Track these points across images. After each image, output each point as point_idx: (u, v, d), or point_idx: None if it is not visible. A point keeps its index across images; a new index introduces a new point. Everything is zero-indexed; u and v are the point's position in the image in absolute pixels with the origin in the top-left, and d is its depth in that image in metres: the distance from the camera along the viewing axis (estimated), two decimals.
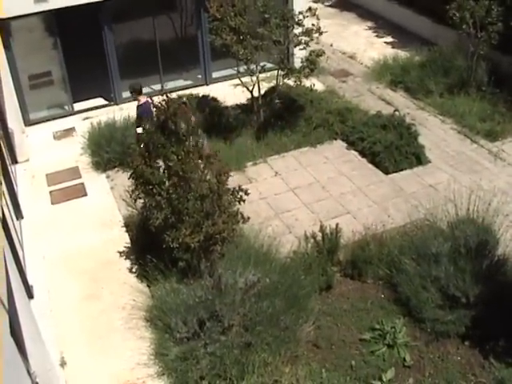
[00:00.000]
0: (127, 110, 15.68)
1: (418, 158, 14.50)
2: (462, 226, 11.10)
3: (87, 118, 16.60)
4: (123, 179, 12.93)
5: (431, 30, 20.32)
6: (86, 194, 13.77)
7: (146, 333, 10.12)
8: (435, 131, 15.85)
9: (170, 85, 17.56)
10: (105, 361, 9.74)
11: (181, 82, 18.13)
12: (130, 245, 12.04)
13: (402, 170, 14.28)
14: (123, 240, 12.19)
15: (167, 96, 10.00)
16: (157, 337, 9.92)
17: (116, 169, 14.45)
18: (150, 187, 9.96)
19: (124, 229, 12.53)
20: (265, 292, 9.91)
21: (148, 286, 10.83)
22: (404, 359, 9.70)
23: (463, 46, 17.47)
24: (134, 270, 11.44)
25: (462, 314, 10.03)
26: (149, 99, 12.13)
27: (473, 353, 9.84)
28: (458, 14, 16.54)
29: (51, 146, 15.76)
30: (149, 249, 10.74)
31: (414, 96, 17.64)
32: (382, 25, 22.74)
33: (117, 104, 17.11)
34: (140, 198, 10.36)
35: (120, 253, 11.88)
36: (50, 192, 13.95)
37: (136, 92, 13.40)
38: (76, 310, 10.72)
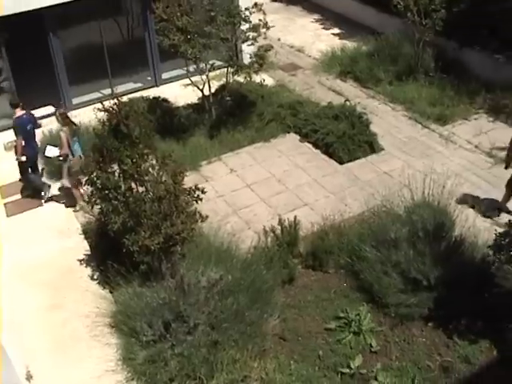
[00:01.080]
0: (79, 117, 15.51)
1: (371, 146, 14.68)
2: (418, 210, 11.24)
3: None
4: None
5: (377, 19, 20.52)
6: (41, 205, 13.61)
7: (111, 339, 10.06)
8: (386, 118, 16.04)
9: (121, 88, 17.37)
10: (72, 371, 9.64)
11: (131, 85, 18.01)
12: (89, 252, 11.94)
13: (356, 158, 14.43)
14: (82, 248, 12.09)
15: (118, 100, 9.94)
16: (123, 342, 9.86)
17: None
18: (106, 192, 9.89)
19: (82, 236, 12.41)
20: (228, 289, 9.92)
21: (111, 291, 10.76)
22: (370, 345, 9.82)
23: (409, 33, 17.72)
24: (95, 276, 11.36)
25: (424, 297, 10.18)
26: (25, 113, 13.27)
27: (437, 333, 10.02)
28: (402, 3, 16.78)
29: (3, 158, 15.47)
30: (109, 254, 10.66)
31: (364, 85, 17.85)
32: (329, 17, 22.90)
33: (67, 111, 16.91)
34: (97, 204, 10.28)
35: (80, 261, 11.77)
36: (5, 204, 13.75)
37: (12, 106, 13.58)
38: (39, 322, 10.59)
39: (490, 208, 12.30)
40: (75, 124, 13.27)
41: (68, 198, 13.49)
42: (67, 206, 13.45)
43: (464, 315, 9.98)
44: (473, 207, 12.38)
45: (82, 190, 13.03)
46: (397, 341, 9.94)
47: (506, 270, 10.32)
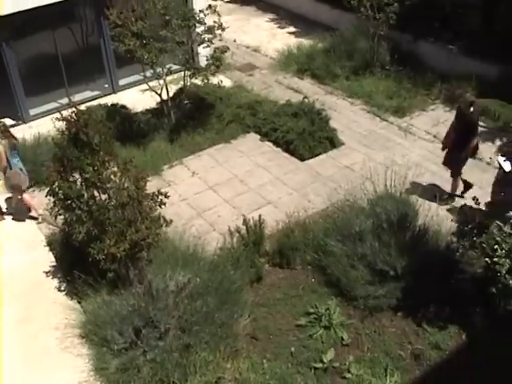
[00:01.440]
0: (37, 128, 15.40)
1: (332, 142, 14.81)
2: (381, 202, 11.39)
3: None
4: (40, 198, 12.70)
5: (331, 16, 20.73)
6: (3, 218, 13.44)
7: (82, 349, 9.96)
8: (345, 113, 16.18)
9: (78, 97, 17.26)
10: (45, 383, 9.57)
11: (88, 93, 17.87)
12: (55, 263, 11.82)
13: (317, 155, 14.53)
14: (48, 259, 11.96)
15: (76, 108, 9.88)
16: (94, 352, 9.78)
17: (32, 188, 14.13)
18: (69, 202, 9.80)
19: (47, 248, 12.28)
20: (197, 292, 9.92)
21: (79, 302, 10.68)
22: (342, 338, 9.90)
23: (363, 28, 17.94)
24: (62, 288, 11.24)
25: (391, 287, 10.33)
26: None
27: (406, 322, 10.16)
28: None
29: None
30: (75, 264, 10.58)
31: (322, 82, 17.99)
32: (283, 16, 23.02)
33: (25, 122, 16.74)
34: (60, 215, 10.19)
35: (46, 273, 11.65)
36: None
37: None
38: (8, 336, 10.45)
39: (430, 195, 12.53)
40: (15, 138, 13.07)
41: (19, 210, 13.35)
42: (26, 219, 13.31)
43: (432, 303, 10.15)
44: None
45: (29, 199, 12.97)
46: (367, 332, 10.05)
47: (470, 255, 10.51)
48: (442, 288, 10.14)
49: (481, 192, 12.02)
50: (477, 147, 12.77)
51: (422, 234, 11.01)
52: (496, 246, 9.14)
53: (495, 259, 9.08)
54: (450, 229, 10.95)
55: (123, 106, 16.45)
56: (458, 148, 12.51)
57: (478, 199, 10.14)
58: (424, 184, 13.03)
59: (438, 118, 15.59)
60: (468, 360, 9.43)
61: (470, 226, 9.99)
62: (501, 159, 11.12)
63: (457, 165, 12.68)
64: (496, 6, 16.98)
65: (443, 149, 12.93)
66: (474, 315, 10.00)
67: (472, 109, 12.35)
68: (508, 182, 10.85)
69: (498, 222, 9.54)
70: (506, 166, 11.09)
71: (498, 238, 9.21)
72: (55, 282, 11.43)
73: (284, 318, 10.36)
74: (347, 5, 17.32)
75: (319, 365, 9.45)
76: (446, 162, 12.90)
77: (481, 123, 15.12)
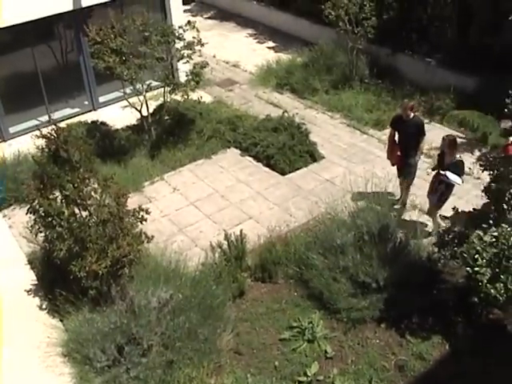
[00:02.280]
0: (17, 145, 15.32)
1: (312, 156, 14.87)
2: (362, 214, 11.44)
3: None
4: (21, 216, 12.62)
5: (310, 30, 20.89)
6: None
7: (65, 368, 9.85)
8: (325, 127, 16.25)
9: (58, 114, 17.20)
10: None
11: (68, 111, 17.82)
12: (36, 281, 11.73)
13: (297, 169, 14.59)
14: (29, 278, 11.85)
15: (56, 125, 9.86)
16: (77, 370, 9.67)
17: (12, 206, 14.04)
18: (50, 219, 9.77)
19: (28, 266, 12.19)
20: (179, 307, 9.89)
21: (61, 320, 10.57)
22: (325, 351, 9.90)
23: (342, 42, 18.11)
24: (44, 306, 11.13)
25: (374, 299, 10.37)
26: None
27: (390, 333, 10.20)
28: (333, 13, 17.10)
29: None
30: (56, 282, 10.53)
31: (301, 96, 18.11)
32: (262, 31, 23.19)
33: (5, 140, 16.66)
34: (41, 232, 10.14)
35: (27, 291, 11.54)
36: None
37: None
38: None
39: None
40: None
41: None
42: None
43: (414, 313, 10.24)
44: None
45: None
46: (351, 345, 10.05)
47: (452, 265, 10.60)
48: (425, 298, 10.22)
49: (460, 202, 12.10)
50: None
51: (403, 245, 11.06)
52: (477, 256, 9.20)
53: (476, 269, 9.13)
54: (430, 239, 11.03)
55: (103, 123, 16.43)
56: (406, 158, 12.61)
57: (458, 209, 10.22)
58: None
59: None
60: (452, 369, 9.46)
61: (450, 236, 10.06)
62: (449, 175, 11.35)
63: (410, 175, 12.80)
64: (470, 18, 17.18)
65: (393, 165, 13.06)
66: (456, 325, 10.06)
67: (412, 114, 12.48)
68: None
69: (479, 232, 9.61)
70: (457, 180, 11.29)
71: (478, 248, 9.26)
72: (36, 301, 11.32)
73: (267, 333, 10.34)
74: (326, 20, 17.46)
75: (303, 378, 9.43)
76: (400, 175, 13.01)
77: (459, 134, 15.37)
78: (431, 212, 12.12)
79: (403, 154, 12.66)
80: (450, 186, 11.61)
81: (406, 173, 12.76)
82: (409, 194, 12.98)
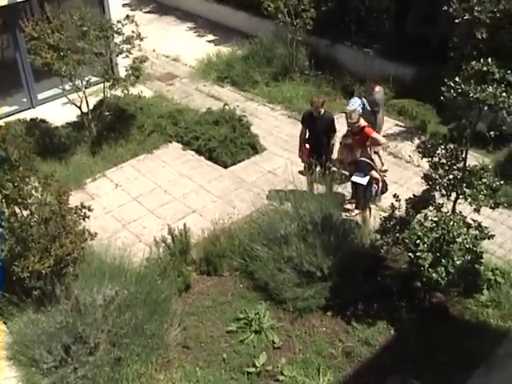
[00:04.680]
0: None
1: (254, 148, 14.92)
2: (305, 204, 11.52)
3: None
4: None
5: (250, 23, 20.88)
6: None
7: (10, 372, 9.65)
8: (266, 119, 16.32)
9: None
10: None
11: (6, 109, 17.44)
12: None
13: (239, 161, 14.62)
14: None
15: None
16: (23, 373, 9.51)
17: None
18: None
19: None
20: (125, 304, 9.81)
21: (4, 322, 10.36)
22: (273, 341, 9.95)
23: (282, 34, 18.18)
24: None
25: (319, 288, 10.48)
26: None
27: (336, 321, 10.33)
28: (272, 5, 17.15)
29: None
30: None
31: (242, 88, 18.12)
32: (202, 24, 23.09)
33: None
34: None
35: None
36: None
37: None
38: None
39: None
40: None
41: None
42: None
43: (360, 300, 10.42)
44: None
45: None
46: (298, 334, 10.14)
47: (394, 251, 10.79)
48: (369, 285, 10.40)
49: (402, 189, 12.32)
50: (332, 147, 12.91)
51: (346, 234, 11.19)
52: (418, 241, 9.40)
53: (418, 254, 9.34)
54: (373, 227, 11.19)
55: (43, 120, 16.15)
56: (318, 157, 12.30)
57: (398, 196, 10.38)
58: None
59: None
60: (397, 354, 9.64)
61: (392, 223, 10.23)
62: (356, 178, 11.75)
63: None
64: (406, 10, 17.46)
65: (304, 162, 13.02)
66: (400, 310, 10.25)
67: (323, 110, 12.59)
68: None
69: (419, 218, 9.81)
70: (363, 181, 11.61)
71: (419, 233, 9.47)
72: None
73: (214, 325, 10.36)
74: (265, 12, 17.50)
75: (252, 369, 9.48)
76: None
77: (399, 123, 15.62)
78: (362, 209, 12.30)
79: (314, 151, 12.53)
80: (360, 186, 11.84)
81: (314, 171, 12.58)
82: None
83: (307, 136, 12.86)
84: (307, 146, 12.74)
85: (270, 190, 13.29)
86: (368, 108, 13.41)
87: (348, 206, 12.76)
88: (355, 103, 13.23)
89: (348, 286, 10.33)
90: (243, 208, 12.88)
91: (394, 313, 10.24)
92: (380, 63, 17.24)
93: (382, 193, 12.07)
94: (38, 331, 9.63)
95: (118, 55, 15.25)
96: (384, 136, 14.49)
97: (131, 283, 10.27)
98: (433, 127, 15.31)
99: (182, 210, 13.18)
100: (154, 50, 20.50)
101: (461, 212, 10.01)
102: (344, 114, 13.02)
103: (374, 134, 12.18)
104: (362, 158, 11.65)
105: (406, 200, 10.29)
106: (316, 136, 12.65)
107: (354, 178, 11.77)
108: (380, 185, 11.84)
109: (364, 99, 13.49)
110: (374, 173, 11.62)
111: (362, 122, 12.19)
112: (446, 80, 9.47)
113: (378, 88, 13.93)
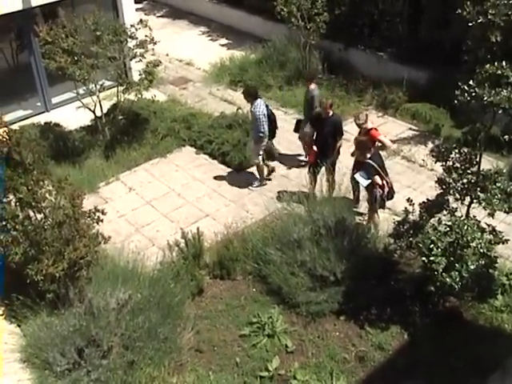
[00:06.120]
0: None
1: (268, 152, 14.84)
2: (318, 208, 11.51)
3: None
4: None
5: (263, 27, 20.87)
6: None
7: (24, 374, 9.68)
8: (279, 123, 16.21)
9: (10, 117, 16.90)
10: None
11: (20, 113, 17.54)
12: None
13: (252, 165, 14.54)
14: None
15: (7, 127, 9.73)
16: (36, 376, 9.53)
17: None
18: (4, 223, 9.63)
19: None
20: (138, 307, 9.84)
21: (18, 325, 10.40)
22: (286, 346, 9.95)
23: (295, 38, 18.16)
24: (0, 312, 11.01)
25: (333, 292, 10.46)
26: None
27: (349, 326, 10.31)
28: (285, 9, 17.12)
29: None
30: (13, 287, 10.37)
31: None
32: (215, 28, 23.10)
33: None
34: None
35: None
36: None
37: None
38: None
39: None
40: None
41: None
42: None
43: (373, 305, 10.38)
44: None
45: None
46: (311, 338, 10.13)
47: (408, 255, 10.75)
48: (382, 289, 10.37)
49: (415, 193, 12.27)
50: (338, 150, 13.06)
51: (360, 238, 11.15)
52: (432, 246, 9.37)
53: (432, 258, 9.30)
54: (386, 231, 11.15)
55: (57, 124, 16.22)
56: (323, 158, 12.63)
57: (412, 200, 10.35)
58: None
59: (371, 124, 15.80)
60: (410, 358, 9.61)
61: (405, 227, 10.20)
62: (358, 176, 11.68)
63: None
64: (420, 13, 17.43)
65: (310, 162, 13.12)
66: (414, 314, 10.21)
67: (331, 112, 12.66)
68: None
69: (433, 222, 9.77)
70: (363, 182, 11.56)
71: (433, 238, 9.43)
72: None
73: (227, 329, 10.36)
74: (278, 16, 17.50)
75: (265, 373, 9.48)
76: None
77: (412, 126, 15.58)
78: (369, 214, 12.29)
79: (320, 153, 12.68)
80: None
81: (318, 172, 12.80)
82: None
83: (314, 137, 12.89)
84: (315, 148, 12.79)
85: (279, 191, 13.41)
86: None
87: (360, 210, 12.71)
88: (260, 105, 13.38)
89: (361, 291, 10.31)
90: (256, 212, 12.90)
91: (408, 317, 10.20)
92: (393, 67, 17.23)
93: (388, 199, 11.99)
94: (52, 334, 9.64)
95: (131, 59, 15.31)
96: (397, 140, 14.52)
97: (144, 287, 10.30)
98: (446, 131, 15.25)
99: (195, 213, 13.19)
100: (167, 54, 20.59)
101: (475, 216, 9.98)
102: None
103: (381, 137, 12.22)
104: (369, 161, 11.60)
105: (420, 204, 10.27)
106: (323, 137, 12.70)
107: (357, 176, 11.70)
108: (385, 190, 11.75)
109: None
110: (377, 178, 11.54)
111: (369, 125, 12.22)
112: (459, 83, 9.43)
113: (313, 85, 14.03)
